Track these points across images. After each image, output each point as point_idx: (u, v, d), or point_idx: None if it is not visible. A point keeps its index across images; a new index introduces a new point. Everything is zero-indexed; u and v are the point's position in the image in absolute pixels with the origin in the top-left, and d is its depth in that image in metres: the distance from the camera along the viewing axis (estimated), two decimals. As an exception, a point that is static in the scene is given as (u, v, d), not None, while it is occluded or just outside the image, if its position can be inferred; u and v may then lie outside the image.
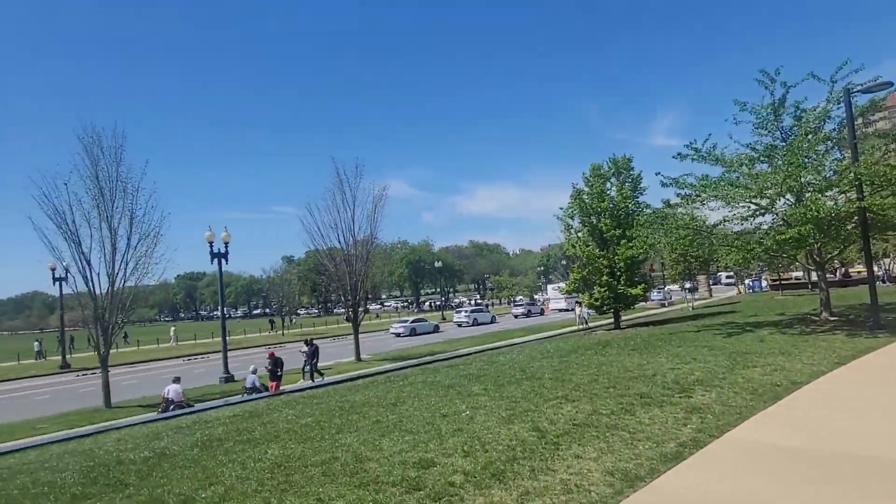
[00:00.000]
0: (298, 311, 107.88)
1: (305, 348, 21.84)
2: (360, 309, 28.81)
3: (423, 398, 10.88)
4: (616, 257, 26.18)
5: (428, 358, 24.75)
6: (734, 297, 49.32)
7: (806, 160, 17.25)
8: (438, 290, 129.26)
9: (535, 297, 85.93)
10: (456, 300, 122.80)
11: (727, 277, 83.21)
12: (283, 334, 55.81)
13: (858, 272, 42.20)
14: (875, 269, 22.71)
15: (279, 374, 18.91)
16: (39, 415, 18.32)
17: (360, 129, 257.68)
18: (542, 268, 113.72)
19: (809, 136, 17.97)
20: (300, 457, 7.23)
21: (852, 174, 15.61)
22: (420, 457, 6.65)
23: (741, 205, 18.34)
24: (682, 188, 19.30)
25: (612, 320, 29.41)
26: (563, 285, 42.85)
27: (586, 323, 33.36)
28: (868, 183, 16.01)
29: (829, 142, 18.58)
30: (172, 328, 61.56)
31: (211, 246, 25.59)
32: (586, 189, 27.69)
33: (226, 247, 26.08)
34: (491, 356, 19.47)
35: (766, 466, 5.49)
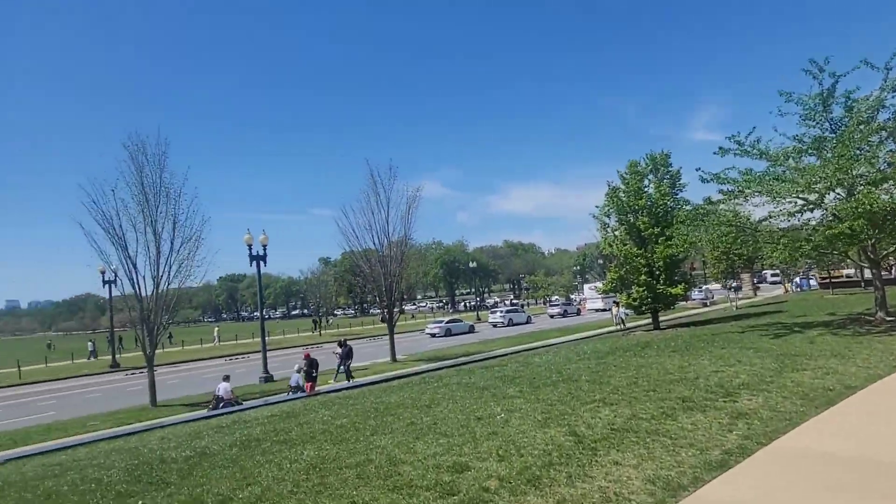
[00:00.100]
0: (335, 312, 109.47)
1: (339, 349, 22.05)
2: (395, 310, 28.95)
3: (457, 400, 10.81)
4: (655, 256, 25.50)
5: (463, 359, 24.67)
6: (780, 297, 47.43)
7: (858, 152, 16.40)
8: (473, 290, 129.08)
9: (571, 296, 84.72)
10: (490, 300, 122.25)
11: (772, 276, 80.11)
12: (320, 335, 56.69)
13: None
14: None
15: (314, 375, 19.17)
16: (91, 412, 19.06)
17: (394, 130, 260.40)
18: (578, 267, 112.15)
19: (861, 127, 17.05)
20: (335, 458, 7.26)
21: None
22: (454, 460, 6.58)
23: (787, 200, 17.59)
24: (725, 183, 18.62)
25: (650, 320, 28.70)
26: (600, 285, 42.07)
27: (623, 323, 32.64)
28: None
29: (882, 132, 17.57)
30: (216, 328, 63.32)
31: (250, 248, 26.17)
32: (623, 186, 27.08)
33: (264, 249, 26.60)
34: (526, 357, 19.24)
35: (819, 477, 5.19)
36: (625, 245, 26.70)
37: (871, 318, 18.67)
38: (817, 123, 18.66)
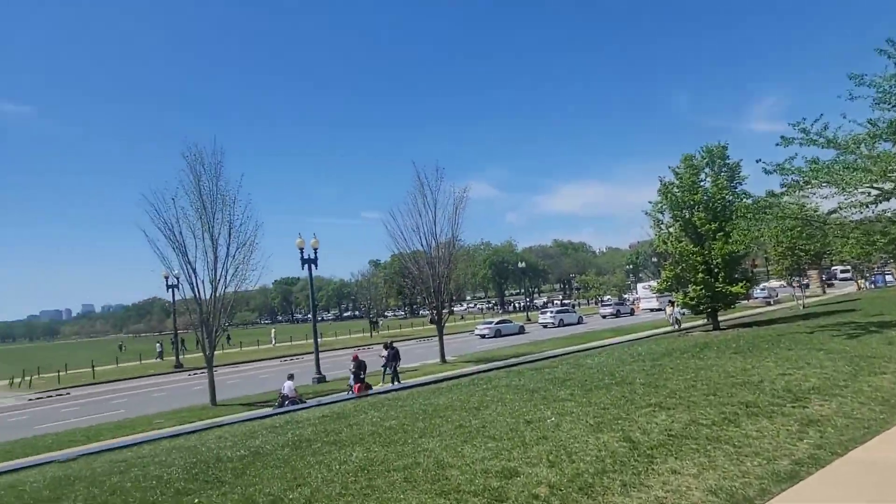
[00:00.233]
0: (385, 314, 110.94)
1: (385, 352, 22.10)
2: (443, 311, 28.97)
3: (506, 403, 10.63)
4: (713, 253, 24.39)
5: (512, 360, 24.40)
6: (852, 294, 44.58)
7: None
8: (522, 290, 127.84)
9: (624, 296, 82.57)
10: (540, 300, 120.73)
11: (842, 272, 75.34)
12: (371, 336, 57.54)
13: None
14: None
15: (362, 376, 19.37)
16: (156, 411, 19.99)
17: (442, 131, 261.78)
18: (630, 266, 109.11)
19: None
20: (383, 461, 7.24)
21: None
22: (503, 465, 6.42)
23: (860, 190, 16.37)
24: (789, 174, 17.54)
25: (707, 320, 27.48)
26: (654, 284, 40.74)
27: (679, 323, 31.44)
28: None
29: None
30: (272, 330, 65.45)
31: (301, 252, 26.81)
32: (676, 181, 26.05)
33: (315, 253, 27.20)
34: (578, 359, 18.79)
35: (906, 492, 4.73)
36: (680, 242, 25.68)
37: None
38: (893, 106, 17.30)
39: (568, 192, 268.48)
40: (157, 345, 52.04)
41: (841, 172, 15.99)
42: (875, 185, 15.98)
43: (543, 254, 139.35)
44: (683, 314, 31.86)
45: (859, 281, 55.47)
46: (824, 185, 16.75)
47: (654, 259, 74.49)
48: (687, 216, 25.67)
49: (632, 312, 54.64)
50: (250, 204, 22.35)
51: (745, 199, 23.49)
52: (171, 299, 39.28)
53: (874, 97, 17.43)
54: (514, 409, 9.88)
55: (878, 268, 53.51)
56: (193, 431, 13.27)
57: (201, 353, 22.62)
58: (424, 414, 10.51)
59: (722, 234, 23.94)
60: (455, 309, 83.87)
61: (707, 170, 26.04)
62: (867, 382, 9.06)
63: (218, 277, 21.38)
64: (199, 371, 33.79)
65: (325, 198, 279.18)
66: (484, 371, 20.77)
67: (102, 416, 20.35)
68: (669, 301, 33.14)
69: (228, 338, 55.54)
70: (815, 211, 18.70)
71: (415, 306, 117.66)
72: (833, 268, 76.80)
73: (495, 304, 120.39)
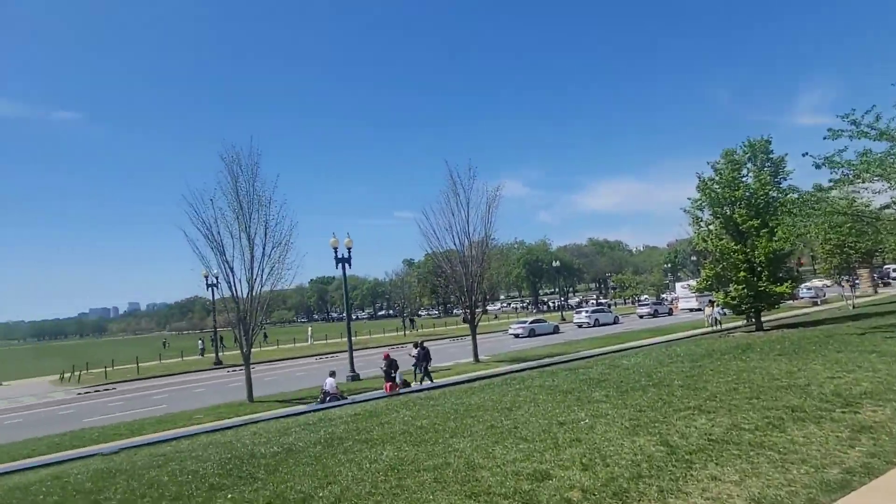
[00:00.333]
0: (419, 313, 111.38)
1: (414, 351, 22.08)
2: (477, 310, 28.84)
3: (539, 403, 10.46)
4: (756, 251, 23.49)
5: (546, 360, 24.08)
6: (907, 294, 42.28)
7: None
8: (557, 290, 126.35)
9: (662, 295, 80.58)
10: (574, 300, 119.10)
11: (895, 271, 71.66)
12: (404, 335, 57.84)
13: None
14: None
15: (393, 375, 19.41)
16: (196, 406, 20.51)
17: (475, 130, 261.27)
18: (668, 265, 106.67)
19: None
20: (413, 460, 7.20)
21: None
22: (534, 468, 6.28)
23: (916, 184, 15.50)
24: (839, 168, 16.73)
25: (747, 321, 26.50)
26: (694, 283, 39.62)
27: (719, 324, 30.46)
28: None
29: None
30: (309, 328, 66.46)
31: (335, 252, 27.11)
32: (716, 177, 25.21)
33: (349, 252, 27.44)
34: (613, 359, 18.37)
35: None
36: (721, 240, 24.86)
37: None
38: (952, 95, 16.33)
39: (603, 189, 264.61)
40: (199, 342, 53.70)
41: (895, 165, 15.17)
42: (933, 178, 15.11)
43: (578, 252, 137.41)
44: (724, 314, 30.87)
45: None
46: (876, 178, 15.92)
47: (694, 257, 72.49)
48: (728, 213, 24.83)
49: (670, 312, 53.25)
50: (285, 204, 22.74)
51: (791, 195, 22.56)
52: (210, 298, 40.38)
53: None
54: (547, 410, 9.71)
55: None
56: (230, 427, 13.56)
57: (239, 351, 23.10)
58: (456, 413, 10.44)
59: (766, 230, 23.06)
60: (489, 308, 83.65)
61: (749, 165, 25.15)
62: (925, 387, 8.53)
63: (254, 276, 21.77)
64: (237, 368, 34.59)
65: (359, 198, 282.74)
66: (517, 371, 20.55)
67: (145, 410, 21.01)
68: (710, 301, 32.17)
69: (265, 336, 56.70)
70: (867, 206, 17.81)
71: (448, 305, 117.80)
72: (885, 266, 73.18)
73: (529, 304, 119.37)
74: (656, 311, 52.47)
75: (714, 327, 30.49)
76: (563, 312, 68.56)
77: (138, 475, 8.32)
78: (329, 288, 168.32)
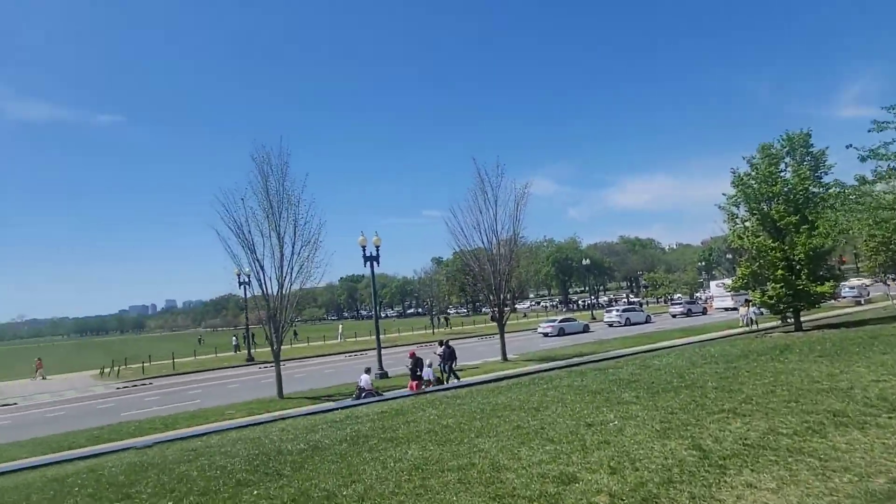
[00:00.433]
0: (448, 311, 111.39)
1: (439, 350, 22.02)
2: (505, 308, 28.65)
3: (567, 404, 10.27)
4: (795, 248, 22.62)
5: (575, 360, 23.73)
6: (959, 293, 40.18)
7: None
8: (587, 288, 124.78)
9: (696, 294, 78.72)
10: (605, 298, 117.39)
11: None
12: (433, 332, 57.95)
13: None
14: None
15: (419, 373, 19.40)
16: (228, 402, 20.93)
17: (504, 127, 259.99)
18: (702, 263, 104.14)
19: None
20: (438, 460, 7.14)
21: None
22: (561, 470, 6.14)
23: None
24: (885, 160, 15.99)
25: (784, 320, 25.55)
26: (729, 281, 38.49)
27: (755, 323, 29.52)
28: None
29: None
30: (340, 326, 67.31)
31: (364, 250, 27.27)
32: (752, 172, 24.38)
33: (377, 250, 27.57)
34: (644, 359, 17.95)
35: None
36: (757, 237, 24.04)
37: None
38: None
39: (635, 186, 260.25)
40: (234, 338, 55.05)
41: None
42: None
43: (609, 251, 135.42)
44: (760, 314, 29.92)
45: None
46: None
47: (729, 255, 70.52)
48: (765, 209, 24.01)
49: (704, 311, 51.96)
50: (314, 203, 23.01)
51: (835, 188, 21.66)
52: (243, 295, 41.19)
53: None
54: (574, 410, 9.52)
55: None
56: (259, 423, 13.74)
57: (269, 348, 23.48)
58: (482, 413, 10.34)
59: (805, 227, 22.20)
60: (517, 307, 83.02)
61: (787, 159, 24.25)
62: (980, 392, 8.05)
63: (284, 274, 22.13)
64: (268, 364, 35.04)
65: (388, 196, 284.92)
66: (545, 370, 20.29)
67: (180, 405, 21.55)
68: (746, 300, 31.24)
69: (295, 333, 57.63)
70: (916, 201, 16.99)
71: (477, 303, 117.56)
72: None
73: (559, 303, 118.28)
74: (689, 310, 51.27)
75: (749, 327, 29.59)
76: (594, 311, 67.70)
77: (169, 469, 8.48)
78: (359, 286, 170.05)
